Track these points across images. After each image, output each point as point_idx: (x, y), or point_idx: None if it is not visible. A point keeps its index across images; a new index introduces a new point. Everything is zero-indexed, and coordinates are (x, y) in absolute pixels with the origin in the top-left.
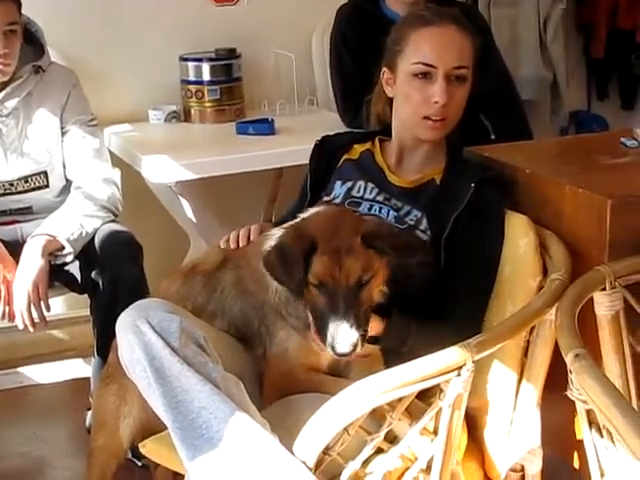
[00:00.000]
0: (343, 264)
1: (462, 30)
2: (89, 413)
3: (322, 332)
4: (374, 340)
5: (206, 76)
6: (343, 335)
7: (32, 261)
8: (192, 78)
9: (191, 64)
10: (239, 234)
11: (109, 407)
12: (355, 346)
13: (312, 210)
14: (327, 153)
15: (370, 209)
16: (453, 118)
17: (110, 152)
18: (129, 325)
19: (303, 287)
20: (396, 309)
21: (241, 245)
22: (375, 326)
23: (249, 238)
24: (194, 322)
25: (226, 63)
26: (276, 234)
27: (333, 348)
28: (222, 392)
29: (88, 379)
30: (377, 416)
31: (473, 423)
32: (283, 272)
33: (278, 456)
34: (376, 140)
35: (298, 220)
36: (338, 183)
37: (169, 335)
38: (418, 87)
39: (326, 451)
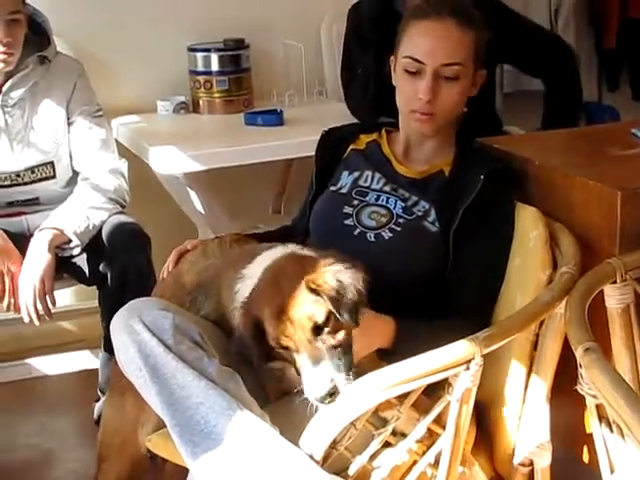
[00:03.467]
0: (292, 319)
1: (461, 25)
2: (97, 405)
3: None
4: (386, 354)
5: (215, 67)
6: (316, 382)
7: (39, 255)
8: (200, 69)
9: (199, 55)
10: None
11: (126, 418)
12: (334, 389)
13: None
14: (333, 144)
15: (377, 199)
16: (443, 114)
17: (118, 143)
18: (122, 325)
19: (264, 361)
20: (401, 314)
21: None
22: (385, 335)
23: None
24: (189, 318)
25: (235, 53)
26: (248, 276)
27: (316, 399)
28: (219, 387)
29: (97, 371)
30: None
31: (482, 417)
32: (248, 356)
33: (278, 447)
34: (383, 131)
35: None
36: (345, 173)
37: (163, 333)
38: (408, 81)
39: (333, 445)
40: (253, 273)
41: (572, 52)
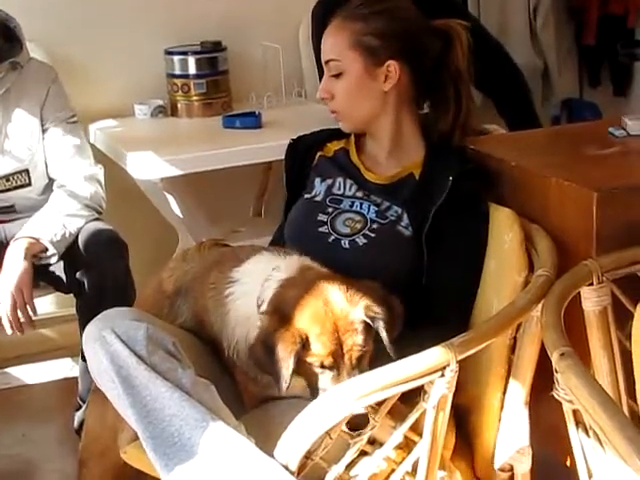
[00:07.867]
0: (345, 342)
1: (342, 20)
2: (77, 414)
3: None
4: None
5: (192, 69)
6: None
7: (15, 264)
8: (178, 72)
9: (177, 57)
10: None
11: (108, 424)
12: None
13: (290, 270)
14: (301, 151)
15: (352, 205)
16: (343, 110)
17: (95, 148)
18: (95, 336)
19: (290, 381)
20: None
21: None
22: None
23: None
24: (164, 328)
25: (212, 56)
26: (243, 280)
27: None
28: (193, 398)
29: (77, 379)
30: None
31: (461, 422)
32: (271, 369)
33: (253, 458)
34: (352, 137)
35: (279, 292)
36: (318, 180)
37: (135, 343)
38: None
39: (308, 455)
40: (249, 279)
41: (520, 71)
